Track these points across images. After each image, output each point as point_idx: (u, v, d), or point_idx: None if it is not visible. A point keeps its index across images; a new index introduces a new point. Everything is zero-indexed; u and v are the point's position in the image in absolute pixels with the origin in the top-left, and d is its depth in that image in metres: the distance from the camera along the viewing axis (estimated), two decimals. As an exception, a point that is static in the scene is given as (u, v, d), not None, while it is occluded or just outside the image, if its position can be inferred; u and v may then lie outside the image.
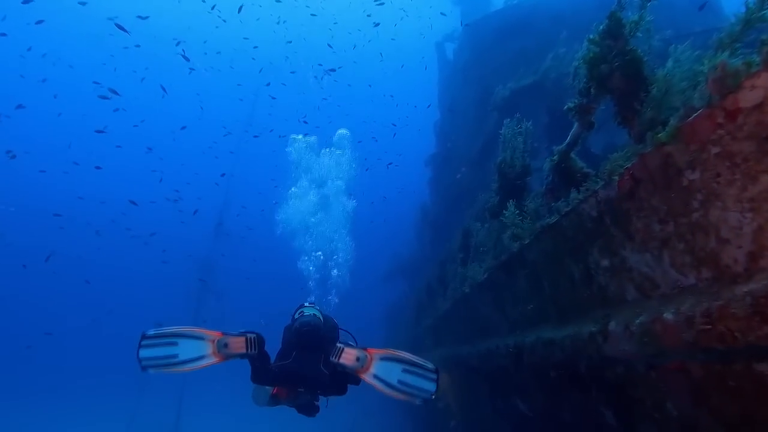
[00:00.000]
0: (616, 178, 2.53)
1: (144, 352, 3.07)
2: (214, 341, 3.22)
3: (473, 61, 13.76)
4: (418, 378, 3.10)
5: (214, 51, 42.43)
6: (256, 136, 27.87)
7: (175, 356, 3.12)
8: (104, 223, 36.46)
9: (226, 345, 3.23)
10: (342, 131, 12.69)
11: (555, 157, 3.47)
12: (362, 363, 3.15)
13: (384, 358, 3.16)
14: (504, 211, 4.05)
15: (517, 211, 4.07)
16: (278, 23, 37.24)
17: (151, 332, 3.14)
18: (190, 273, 24.27)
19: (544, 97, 9.56)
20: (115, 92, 17.06)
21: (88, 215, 38.39)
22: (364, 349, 3.22)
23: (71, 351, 40.23)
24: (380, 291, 30.50)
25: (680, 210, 2.18)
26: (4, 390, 28.83)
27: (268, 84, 29.27)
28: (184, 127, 30.55)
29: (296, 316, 4.17)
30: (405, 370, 3.10)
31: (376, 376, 3.13)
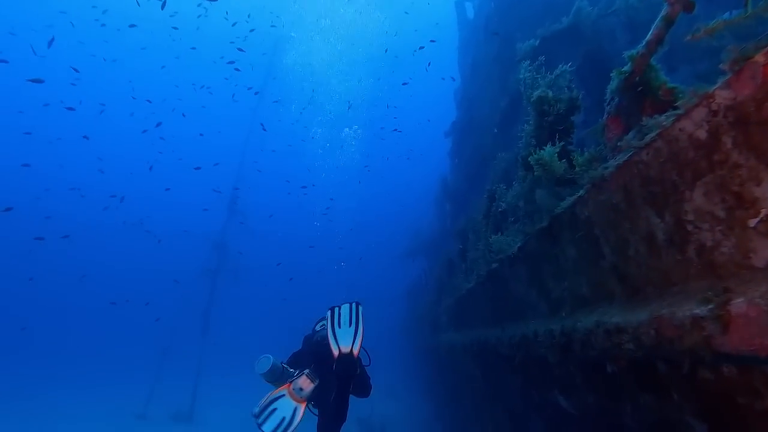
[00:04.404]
0: (762, 61, 1.50)
1: (267, 427, 3.58)
2: (291, 393, 3.73)
3: (497, 13, 12.44)
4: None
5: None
6: (276, 101, 27.35)
7: (284, 419, 3.63)
8: (124, 200, 36.62)
9: (301, 389, 3.75)
10: None
11: (626, 68, 2.43)
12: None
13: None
14: (542, 151, 3.02)
15: (560, 155, 3.06)
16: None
17: (256, 410, 3.66)
18: (206, 253, 23.99)
19: (580, 43, 8.32)
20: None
21: (99, 197, 38.67)
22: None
23: (91, 329, 41.27)
24: (401, 270, 29.88)
25: None
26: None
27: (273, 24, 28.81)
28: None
29: (317, 328, 4.37)
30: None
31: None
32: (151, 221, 47.42)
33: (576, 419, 4.13)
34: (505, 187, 6.02)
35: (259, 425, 3.58)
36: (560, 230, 3.18)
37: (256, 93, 29.11)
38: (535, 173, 3.19)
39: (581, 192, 2.76)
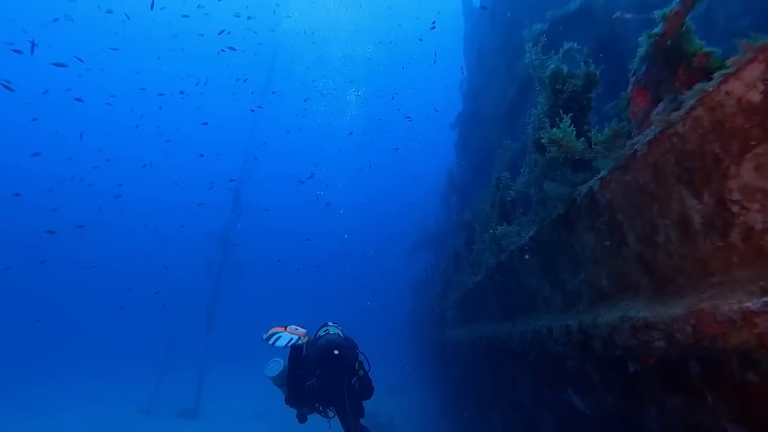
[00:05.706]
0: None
1: (281, 342, 4.11)
2: (289, 330, 4.23)
3: (503, 0, 12.09)
4: None
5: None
6: (274, 92, 27.28)
7: (291, 338, 4.18)
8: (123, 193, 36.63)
9: (296, 328, 4.28)
10: None
11: (657, 31, 2.14)
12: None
13: None
14: (556, 129, 2.73)
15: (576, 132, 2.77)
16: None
17: (264, 336, 4.19)
18: (211, 246, 23.90)
19: (591, 27, 7.97)
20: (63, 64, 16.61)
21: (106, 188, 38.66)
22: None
23: (96, 326, 41.45)
24: (407, 264, 29.69)
25: None
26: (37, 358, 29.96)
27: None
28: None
29: (321, 333, 4.58)
30: None
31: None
32: (157, 216, 47.50)
33: (591, 420, 3.88)
34: (510, 177, 5.74)
35: (272, 344, 4.07)
36: (578, 217, 2.90)
37: (252, 93, 28.94)
38: (549, 154, 2.91)
39: (603, 173, 2.48)
